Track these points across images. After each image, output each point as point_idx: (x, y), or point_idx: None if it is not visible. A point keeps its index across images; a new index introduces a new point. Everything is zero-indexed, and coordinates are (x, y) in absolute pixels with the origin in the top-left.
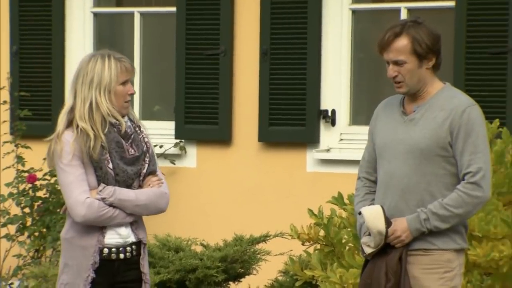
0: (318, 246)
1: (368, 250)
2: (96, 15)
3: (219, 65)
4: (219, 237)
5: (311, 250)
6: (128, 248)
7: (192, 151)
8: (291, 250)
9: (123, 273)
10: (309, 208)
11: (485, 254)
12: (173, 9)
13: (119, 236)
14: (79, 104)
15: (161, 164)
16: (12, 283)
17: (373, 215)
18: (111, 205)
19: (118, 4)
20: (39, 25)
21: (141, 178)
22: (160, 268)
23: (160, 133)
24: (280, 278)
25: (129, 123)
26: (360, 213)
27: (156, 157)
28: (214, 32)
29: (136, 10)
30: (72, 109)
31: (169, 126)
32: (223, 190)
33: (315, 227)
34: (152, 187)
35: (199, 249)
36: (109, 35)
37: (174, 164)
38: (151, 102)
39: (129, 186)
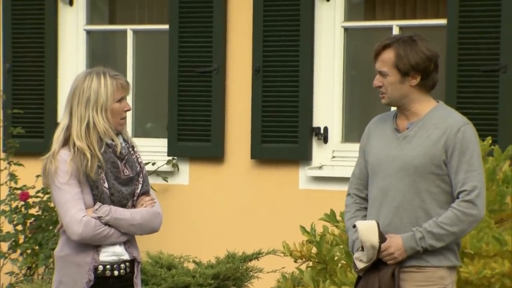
0: (311, 263)
1: (361, 265)
2: (89, 32)
3: (211, 83)
4: (211, 254)
5: (303, 267)
6: (122, 265)
7: (185, 168)
8: (284, 267)
9: None
10: (302, 225)
11: (477, 271)
12: (166, 26)
13: (113, 254)
14: (75, 123)
15: (154, 181)
16: None
17: (367, 229)
18: (106, 224)
19: (111, 22)
20: (32, 43)
21: (135, 198)
22: (152, 285)
23: (152, 150)
24: None
25: (123, 144)
26: (354, 226)
27: (148, 178)
28: (207, 50)
29: (129, 28)
30: (68, 128)
31: (162, 144)
32: (216, 207)
33: (307, 244)
34: (146, 207)
35: (191, 266)
36: (102, 52)
37: (167, 181)
38: (144, 119)
39: (123, 206)
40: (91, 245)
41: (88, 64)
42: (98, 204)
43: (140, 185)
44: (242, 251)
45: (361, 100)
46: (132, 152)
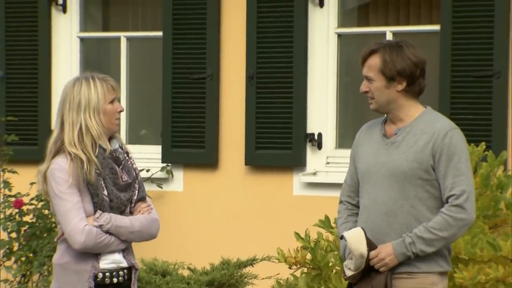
0: (305, 270)
1: (349, 273)
2: (82, 40)
3: (205, 89)
4: (206, 261)
5: (298, 273)
6: (121, 273)
7: (179, 175)
8: (278, 274)
9: None
10: (296, 231)
11: (471, 277)
12: (160, 33)
13: (111, 261)
14: (67, 130)
15: (148, 188)
16: None
17: (355, 238)
18: (107, 232)
19: (105, 29)
20: (25, 50)
21: (132, 204)
22: None
23: (146, 157)
24: None
25: (120, 150)
26: (342, 237)
27: (143, 183)
28: (201, 56)
29: (123, 35)
30: (59, 137)
31: (156, 150)
32: (210, 214)
33: (302, 251)
34: (143, 213)
35: (186, 273)
36: (96, 59)
37: (161, 188)
38: (138, 126)
39: (122, 212)
40: (91, 253)
41: (82, 71)
42: (99, 212)
43: (136, 191)
44: (237, 258)
45: (355, 106)
46: (127, 158)
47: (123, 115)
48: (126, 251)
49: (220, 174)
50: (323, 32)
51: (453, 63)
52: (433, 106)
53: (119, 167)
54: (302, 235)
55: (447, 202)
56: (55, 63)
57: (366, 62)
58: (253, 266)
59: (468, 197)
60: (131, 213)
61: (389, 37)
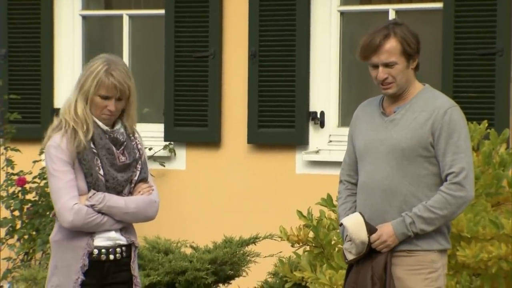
0: (308, 248)
1: (350, 257)
2: (85, 18)
3: (208, 68)
4: (208, 239)
5: (300, 251)
6: (118, 249)
7: (182, 153)
8: (281, 252)
9: (113, 274)
10: (298, 209)
11: (474, 255)
12: (162, 11)
13: (108, 238)
14: (69, 99)
15: (151, 166)
16: (2, 286)
17: (354, 225)
18: (100, 211)
19: (107, 7)
20: (27, 28)
21: (132, 185)
22: (149, 270)
23: (149, 136)
24: (269, 279)
25: (122, 130)
26: (341, 224)
27: (147, 164)
28: (203, 35)
29: (125, 13)
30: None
31: (159, 129)
32: (213, 192)
33: (304, 229)
34: (142, 194)
35: (188, 251)
36: (98, 38)
37: (164, 166)
38: (141, 104)
39: (119, 192)
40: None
41: (84, 49)
42: (92, 191)
43: (138, 172)
44: (239, 236)
45: (358, 84)
46: (132, 138)
47: None
48: (125, 229)
49: (222, 152)
50: (326, 10)
51: (456, 41)
52: (436, 84)
53: (119, 148)
54: (305, 213)
55: (446, 179)
56: (58, 41)
57: (382, 49)
58: (255, 244)
59: (467, 174)
60: (131, 193)
61: (392, 15)
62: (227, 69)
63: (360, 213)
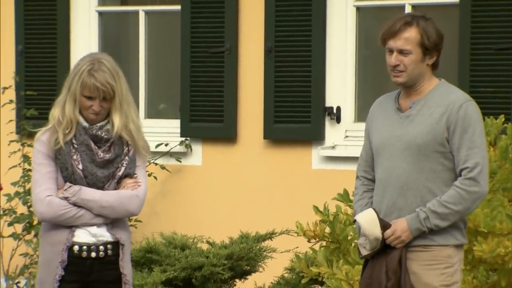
0: (324, 243)
1: (364, 252)
2: (101, 14)
3: (224, 63)
4: (225, 234)
5: (317, 247)
6: (102, 247)
7: (198, 149)
8: (297, 247)
9: (99, 273)
10: (315, 205)
11: (490, 250)
12: (178, 7)
13: (90, 235)
14: (58, 101)
15: (167, 162)
16: (19, 282)
17: (368, 222)
18: (75, 204)
19: (123, 3)
20: (44, 24)
21: (115, 180)
22: (166, 266)
23: (165, 131)
24: (286, 275)
25: (107, 127)
26: (355, 221)
27: (139, 160)
28: (219, 30)
29: (141, 9)
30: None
31: (175, 124)
32: (229, 188)
33: (320, 224)
34: (127, 189)
35: (205, 246)
36: (114, 34)
37: (180, 162)
38: (157, 100)
39: (100, 188)
40: (65, 225)
41: (100, 45)
42: (68, 184)
43: (123, 168)
44: (256, 231)
45: (374, 79)
46: (123, 135)
47: (142, 89)
48: (111, 225)
49: (238, 148)
50: (342, 5)
51: (473, 36)
52: (453, 79)
53: (101, 144)
54: (321, 209)
55: (460, 174)
56: (74, 37)
57: (401, 35)
58: (272, 240)
59: (481, 170)
60: (116, 189)
61: (408, 10)
62: (243, 64)
63: (374, 209)
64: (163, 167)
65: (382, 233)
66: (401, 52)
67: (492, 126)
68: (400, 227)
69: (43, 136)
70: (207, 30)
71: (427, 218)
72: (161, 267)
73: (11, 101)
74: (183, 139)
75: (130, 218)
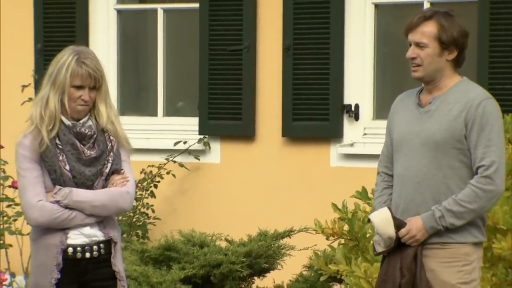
0: (343, 241)
1: (379, 249)
2: (119, 12)
3: (242, 61)
4: (243, 232)
5: (335, 244)
6: (95, 247)
7: (216, 146)
8: (316, 245)
9: (94, 272)
10: (333, 202)
11: (510, 247)
12: (196, 5)
13: (83, 236)
14: (36, 101)
15: (185, 160)
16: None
17: (382, 221)
18: (67, 207)
19: (142, 1)
20: (63, 23)
21: (103, 177)
22: (185, 263)
23: (184, 129)
24: (304, 272)
25: (90, 123)
26: (369, 220)
27: (124, 155)
28: (237, 28)
29: (160, 7)
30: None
31: (193, 122)
32: (247, 185)
33: (339, 222)
34: (116, 186)
35: (223, 244)
36: (133, 32)
37: (198, 159)
38: (175, 98)
39: (89, 187)
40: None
41: (118, 43)
42: (57, 187)
43: (109, 164)
44: (274, 229)
45: (392, 76)
46: (105, 129)
47: (160, 87)
48: (103, 224)
49: (257, 145)
50: (360, 2)
51: (491, 33)
52: (472, 76)
53: (85, 141)
54: (339, 206)
55: (476, 172)
56: (92, 35)
57: (419, 28)
58: (290, 238)
59: (497, 168)
60: (104, 186)
61: (426, 6)
62: (261, 62)
63: (389, 207)
64: (181, 165)
65: (396, 232)
66: (418, 45)
67: (510, 123)
68: (415, 225)
69: (25, 139)
70: (225, 28)
71: (442, 216)
72: (179, 265)
73: (30, 99)
74: (201, 137)
75: (149, 215)
